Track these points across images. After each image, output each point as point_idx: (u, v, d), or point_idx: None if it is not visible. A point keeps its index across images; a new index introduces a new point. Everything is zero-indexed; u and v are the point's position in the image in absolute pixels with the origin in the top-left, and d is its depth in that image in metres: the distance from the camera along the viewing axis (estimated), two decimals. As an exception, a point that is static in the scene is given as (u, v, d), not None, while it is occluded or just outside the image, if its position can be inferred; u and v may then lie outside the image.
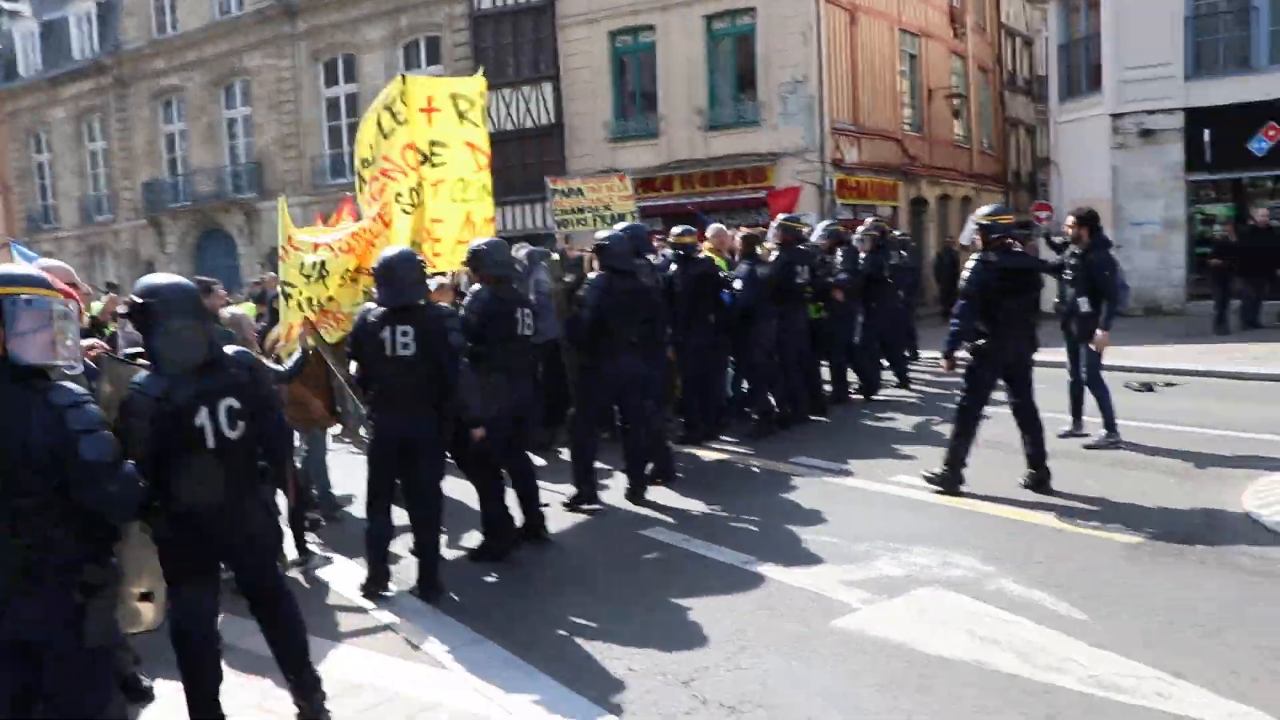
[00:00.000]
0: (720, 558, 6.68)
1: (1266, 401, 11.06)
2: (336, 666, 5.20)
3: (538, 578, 6.63)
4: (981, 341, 7.62)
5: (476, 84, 8.56)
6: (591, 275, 8.25)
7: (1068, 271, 9.13)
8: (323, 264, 7.59)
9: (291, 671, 4.56)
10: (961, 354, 7.83)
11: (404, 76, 8.39)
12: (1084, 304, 8.85)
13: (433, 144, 8.06)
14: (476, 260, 7.10)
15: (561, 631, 5.62)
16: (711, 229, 11.47)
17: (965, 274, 7.67)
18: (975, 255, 7.72)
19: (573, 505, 7.98)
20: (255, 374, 4.40)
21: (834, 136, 22.55)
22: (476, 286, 7.18)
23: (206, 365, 4.19)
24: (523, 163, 25.69)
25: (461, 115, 8.22)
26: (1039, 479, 7.73)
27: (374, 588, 6.32)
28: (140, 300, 4.19)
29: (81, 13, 36.61)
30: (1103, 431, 9.11)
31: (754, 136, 22.71)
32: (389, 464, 6.27)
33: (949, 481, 7.75)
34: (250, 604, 4.55)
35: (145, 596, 4.30)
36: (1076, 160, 21.92)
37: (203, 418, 4.10)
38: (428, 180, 8.01)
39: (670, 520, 7.68)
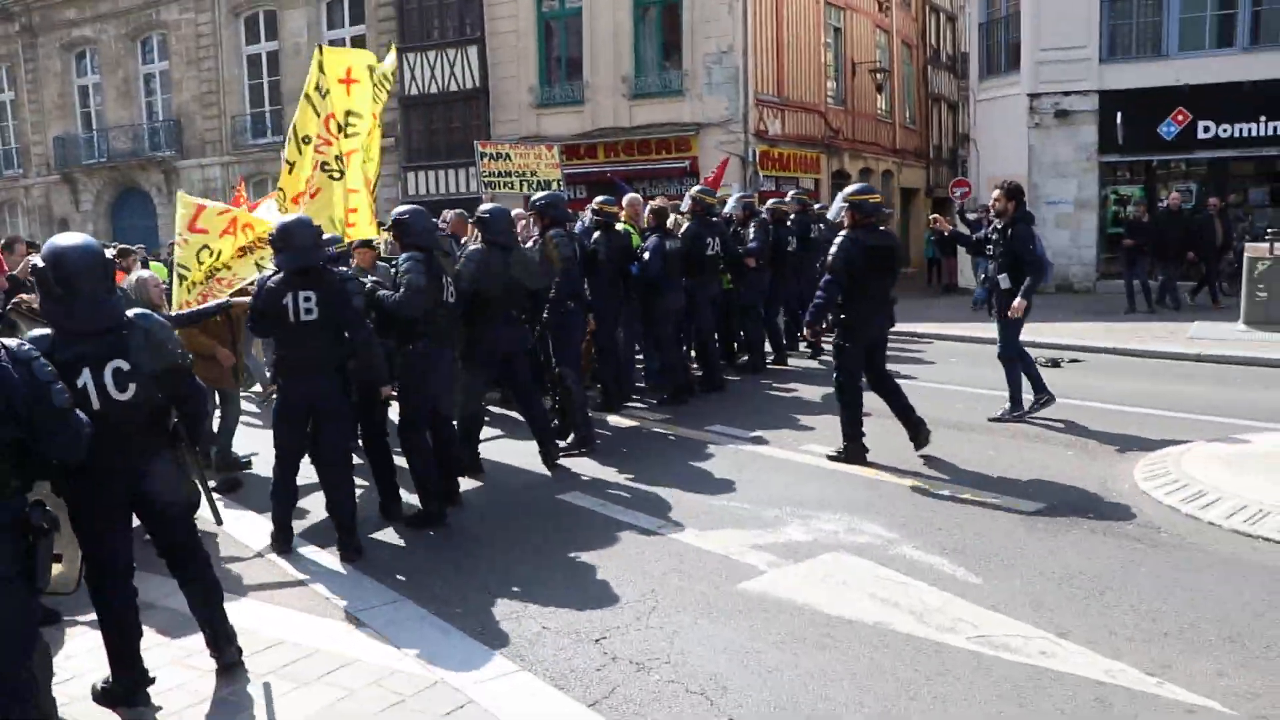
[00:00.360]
0: (635, 522, 6.84)
1: (1165, 378, 11.52)
2: (257, 623, 5.26)
3: (453, 539, 6.74)
4: (844, 317, 7.90)
5: (390, 64, 8.64)
6: (471, 248, 8.27)
7: (989, 247, 9.17)
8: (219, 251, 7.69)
9: (207, 627, 4.66)
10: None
11: (320, 48, 8.37)
12: (1004, 280, 8.86)
13: (348, 114, 8.13)
14: (400, 229, 7.12)
15: (476, 592, 5.73)
16: (626, 199, 11.60)
17: (832, 250, 7.87)
18: (843, 232, 7.93)
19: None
20: (153, 336, 4.38)
21: (758, 108, 22.73)
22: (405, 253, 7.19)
23: (105, 328, 4.21)
24: (448, 126, 25.65)
25: (375, 88, 8.25)
26: (919, 439, 8.07)
27: (279, 546, 6.42)
28: (41, 264, 4.20)
29: (-12, -43, 35.43)
30: (1006, 405, 9.29)
31: (678, 106, 22.83)
32: (297, 428, 6.35)
33: (853, 454, 7.99)
34: (167, 562, 4.62)
35: (56, 558, 4.34)
36: (995, 138, 22.39)
37: (85, 378, 4.12)
38: (344, 150, 8.03)
39: (586, 485, 7.83)
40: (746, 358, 12.56)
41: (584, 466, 8.36)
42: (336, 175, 7.97)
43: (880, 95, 29.38)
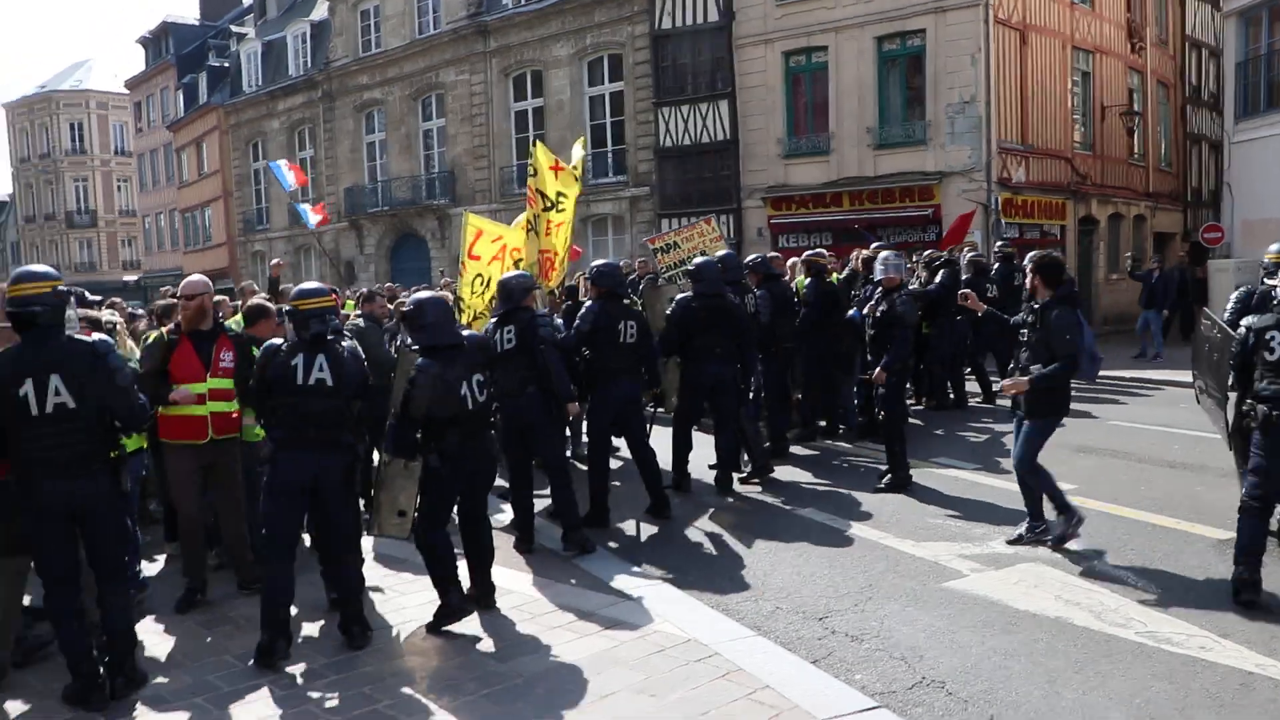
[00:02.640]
0: (858, 532, 7.91)
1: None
2: (543, 591, 6.65)
3: (697, 538, 7.98)
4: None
5: (579, 155, 10.66)
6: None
7: (1023, 331, 7.40)
8: (488, 280, 9.42)
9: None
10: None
11: (537, 143, 10.51)
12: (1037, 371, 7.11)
13: (559, 194, 9.89)
14: (598, 278, 8.55)
15: (720, 579, 6.94)
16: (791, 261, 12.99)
17: (901, 308, 9.33)
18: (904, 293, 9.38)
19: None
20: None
21: (1001, 156, 23.16)
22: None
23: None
24: (699, 176, 27.17)
25: (575, 177, 10.16)
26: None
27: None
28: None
29: (298, 33, 39.90)
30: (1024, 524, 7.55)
31: (921, 155, 23.52)
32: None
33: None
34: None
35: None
36: (1253, 181, 21.95)
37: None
38: (553, 222, 9.86)
39: (815, 500, 8.94)
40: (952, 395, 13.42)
41: (821, 485, 9.47)
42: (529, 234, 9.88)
43: (1131, 138, 29.01)
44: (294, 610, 6.01)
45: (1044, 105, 24.93)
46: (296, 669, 5.60)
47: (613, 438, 8.97)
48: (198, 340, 6.80)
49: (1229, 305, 8.48)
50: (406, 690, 5.27)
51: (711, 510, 8.87)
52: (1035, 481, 7.31)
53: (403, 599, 6.76)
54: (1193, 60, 34.17)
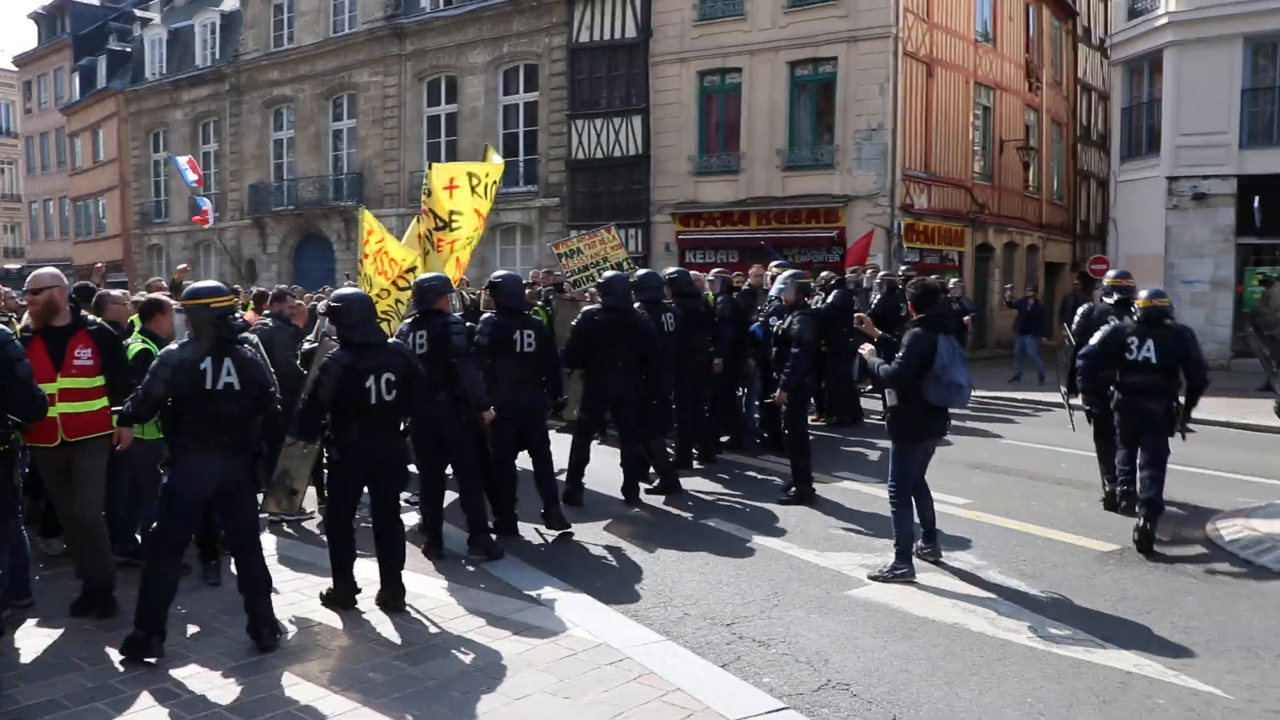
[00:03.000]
0: (763, 542, 8.14)
1: (1261, 450, 12.27)
2: (453, 598, 6.74)
3: (609, 548, 8.14)
4: None
5: (495, 168, 10.33)
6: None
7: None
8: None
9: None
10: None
11: (431, 165, 10.49)
12: (891, 395, 7.25)
13: (451, 213, 9.90)
14: (495, 290, 8.66)
15: (629, 587, 7.11)
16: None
17: (798, 326, 9.57)
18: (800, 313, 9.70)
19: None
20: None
21: (905, 182, 23.86)
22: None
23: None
24: (610, 189, 27.44)
25: (473, 189, 9.98)
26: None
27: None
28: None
29: (206, 22, 39.20)
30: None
31: (828, 179, 24.11)
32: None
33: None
34: None
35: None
36: (1134, 218, 23.06)
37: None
38: (445, 240, 9.88)
39: (722, 512, 9.17)
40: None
41: (727, 497, 9.71)
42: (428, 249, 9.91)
43: (1027, 171, 30.10)
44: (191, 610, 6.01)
45: (947, 136, 25.78)
46: (206, 672, 5.59)
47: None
48: (50, 338, 6.31)
49: (1075, 320, 9.76)
50: (320, 692, 5.30)
51: (619, 520, 9.02)
52: (898, 510, 7.21)
53: (311, 602, 6.76)
54: (1084, 102, 35.64)
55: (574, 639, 5.99)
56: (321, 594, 6.77)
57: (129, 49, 44.02)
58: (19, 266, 55.38)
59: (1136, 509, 7.93)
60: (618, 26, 27.11)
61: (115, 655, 5.65)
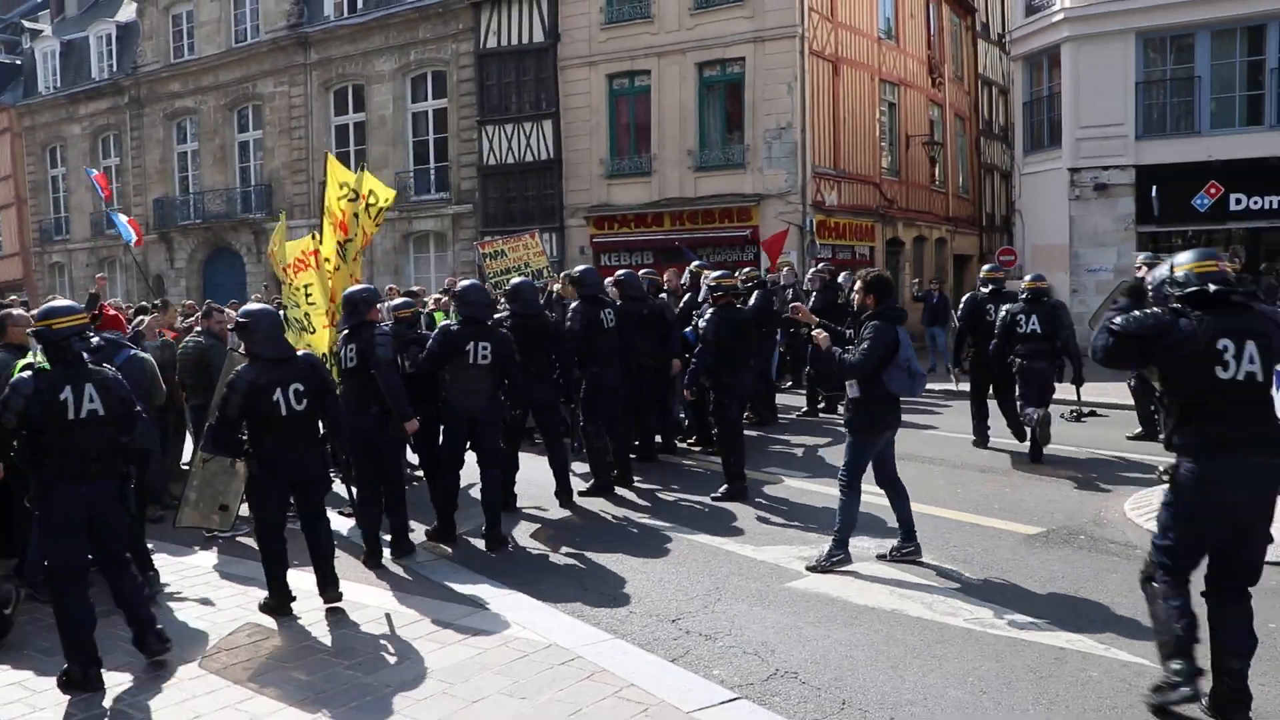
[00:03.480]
0: (701, 539, 8.25)
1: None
2: (400, 605, 6.74)
3: (551, 549, 8.20)
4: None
5: (390, 195, 10.02)
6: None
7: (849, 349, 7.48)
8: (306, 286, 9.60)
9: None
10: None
11: (328, 156, 10.44)
12: (852, 387, 7.26)
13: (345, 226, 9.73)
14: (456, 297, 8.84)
15: (573, 587, 7.18)
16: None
17: (703, 325, 9.86)
18: (710, 309, 9.91)
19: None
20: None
21: (815, 180, 24.24)
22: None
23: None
24: (523, 194, 27.45)
25: (367, 207, 9.69)
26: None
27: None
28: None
29: (101, 34, 38.28)
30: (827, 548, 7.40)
31: (740, 178, 24.41)
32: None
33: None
34: None
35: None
36: (1038, 209, 23.68)
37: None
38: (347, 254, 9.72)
39: (660, 512, 9.28)
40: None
41: (662, 495, 9.81)
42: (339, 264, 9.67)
43: (933, 166, 30.75)
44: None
45: (854, 133, 26.25)
46: (144, 690, 5.55)
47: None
48: None
49: (961, 306, 12.42)
50: (275, 705, 5.29)
51: (553, 524, 9.10)
52: (847, 498, 7.29)
53: (255, 615, 6.73)
54: (985, 96, 36.51)
55: (524, 641, 6.05)
56: (260, 604, 6.83)
57: (19, 61, 42.75)
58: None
59: (1035, 427, 10.33)
60: (525, 31, 27.12)
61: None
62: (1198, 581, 4.81)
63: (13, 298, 15.96)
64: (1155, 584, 4.85)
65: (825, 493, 9.67)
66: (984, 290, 11.81)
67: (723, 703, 5.11)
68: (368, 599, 7.01)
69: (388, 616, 6.64)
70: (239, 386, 6.55)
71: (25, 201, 41.98)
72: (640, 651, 5.88)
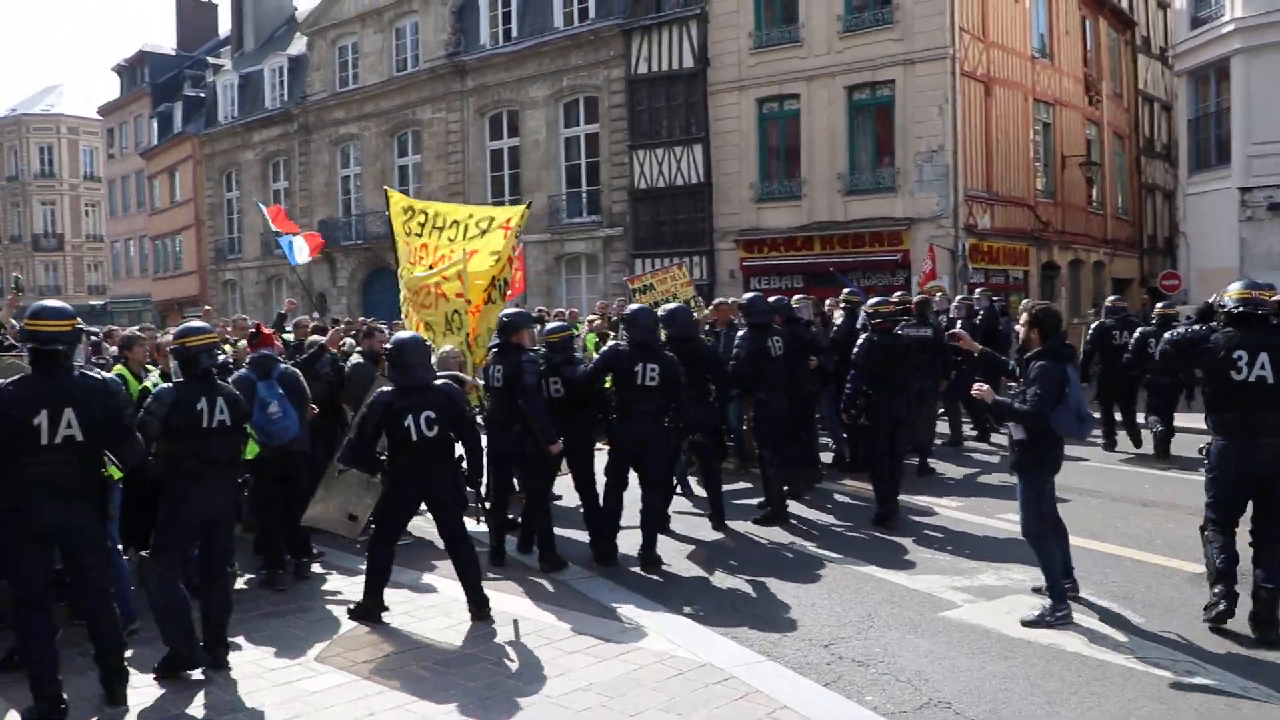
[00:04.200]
0: (854, 565, 8.30)
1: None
2: (561, 619, 6.99)
3: (707, 573, 8.35)
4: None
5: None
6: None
7: (1012, 384, 7.64)
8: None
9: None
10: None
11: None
12: (1016, 429, 6.94)
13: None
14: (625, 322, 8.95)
15: (728, 610, 7.31)
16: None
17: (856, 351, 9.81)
18: (864, 335, 9.94)
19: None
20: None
21: (967, 203, 23.86)
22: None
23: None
24: (673, 218, 27.73)
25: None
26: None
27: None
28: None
29: (275, 66, 40.23)
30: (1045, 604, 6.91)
31: (890, 201, 24.20)
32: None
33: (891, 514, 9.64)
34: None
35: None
36: (1205, 231, 22.87)
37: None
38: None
39: (810, 535, 9.34)
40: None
41: (814, 519, 9.88)
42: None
43: (1090, 187, 29.90)
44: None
45: (1008, 154, 25.73)
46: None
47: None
48: None
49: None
50: (444, 708, 5.57)
51: (708, 545, 9.25)
52: (1041, 546, 6.88)
53: (423, 624, 7.06)
54: (1146, 114, 35.34)
55: (678, 659, 6.21)
56: (349, 609, 7.29)
57: (203, 94, 45.33)
58: (103, 303, 57.16)
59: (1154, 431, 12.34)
60: (675, 57, 27.44)
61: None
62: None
63: (193, 311, 17.02)
64: (1206, 532, 6.66)
65: (979, 522, 9.64)
66: (1110, 320, 13.59)
67: (875, 731, 5.18)
68: (521, 610, 7.29)
69: (545, 629, 6.87)
70: (376, 407, 7.07)
71: (203, 223, 44.41)
72: (794, 675, 5.97)
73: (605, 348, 9.08)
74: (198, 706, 5.73)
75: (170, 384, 6.41)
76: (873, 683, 5.85)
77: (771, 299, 10.74)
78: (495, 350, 8.55)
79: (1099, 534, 9.04)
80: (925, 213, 23.68)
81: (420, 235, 10.98)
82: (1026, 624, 6.66)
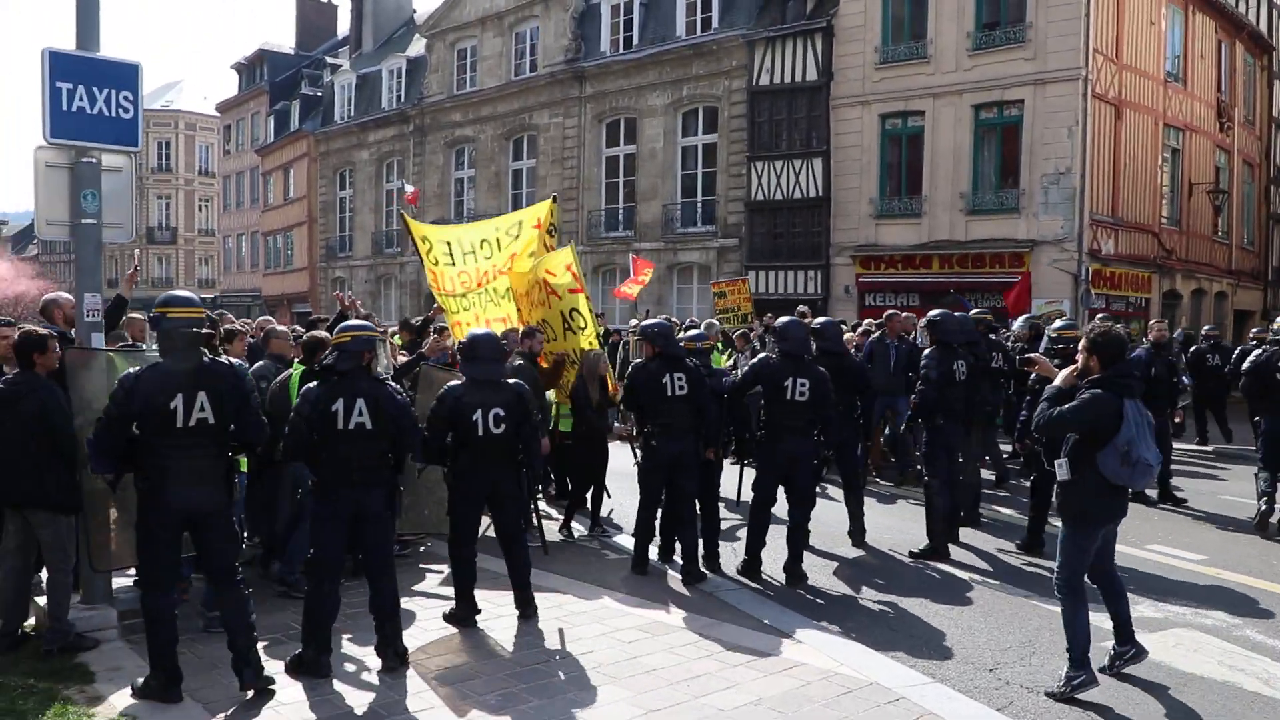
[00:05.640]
0: (1007, 591, 8.24)
1: None
2: (725, 635, 7.06)
3: (859, 591, 8.36)
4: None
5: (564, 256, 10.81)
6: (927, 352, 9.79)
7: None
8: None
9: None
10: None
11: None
12: (1062, 469, 6.10)
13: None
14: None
15: (883, 629, 7.32)
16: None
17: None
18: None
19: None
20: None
21: (1092, 227, 23.45)
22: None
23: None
24: (789, 231, 27.69)
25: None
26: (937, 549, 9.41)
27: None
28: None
29: (393, 67, 41.08)
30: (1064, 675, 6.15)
31: (1013, 223, 23.86)
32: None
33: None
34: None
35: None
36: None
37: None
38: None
39: (956, 560, 9.28)
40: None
41: (969, 542, 9.82)
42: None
43: (1217, 215, 29.19)
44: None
45: (1135, 180, 25.25)
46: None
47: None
48: None
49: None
50: (620, 711, 5.67)
51: (851, 562, 9.27)
52: (1070, 607, 6.13)
53: (566, 630, 7.17)
54: (1278, 141, 34.34)
55: (844, 677, 6.23)
56: (444, 614, 7.32)
57: (320, 94, 46.46)
58: (213, 296, 58.89)
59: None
60: (799, 69, 27.41)
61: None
62: None
63: (301, 307, 17.34)
64: None
65: (1128, 553, 9.46)
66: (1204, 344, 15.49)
67: (1062, 757, 5.15)
68: (676, 621, 7.35)
69: (700, 641, 6.90)
70: (446, 400, 7.05)
71: (315, 220, 45.47)
72: (964, 698, 5.96)
73: (756, 359, 9.10)
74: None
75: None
76: (1046, 710, 5.82)
77: (950, 314, 10.06)
78: (668, 358, 8.51)
79: (1254, 570, 8.84)
80: (1049, 235, 23.33)
81: (453, 264, 11.09)
82: (1050, 694, 5.99)
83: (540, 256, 10.74)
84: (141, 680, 5.73)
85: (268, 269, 51.57)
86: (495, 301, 11.10)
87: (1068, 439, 6.02)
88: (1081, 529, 6.13)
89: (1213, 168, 29.25)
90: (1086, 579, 6.27)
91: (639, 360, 8.83)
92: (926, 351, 9.81)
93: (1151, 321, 12.04)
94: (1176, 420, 12.71)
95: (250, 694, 5.76)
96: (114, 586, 7.24)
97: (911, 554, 9.43)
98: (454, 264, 11.06)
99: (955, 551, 9.53)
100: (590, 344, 10.45)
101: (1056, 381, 6.27)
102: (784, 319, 9.07)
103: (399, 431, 6.25)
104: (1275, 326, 11.34)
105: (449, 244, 11.15)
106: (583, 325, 10.55)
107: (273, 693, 5.80)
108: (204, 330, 6.08)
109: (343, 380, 6.16)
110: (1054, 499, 6.35)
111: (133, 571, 7.26)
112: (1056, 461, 6.11)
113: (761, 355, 9.26)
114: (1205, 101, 28.61)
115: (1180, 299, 27.46)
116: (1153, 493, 11.69)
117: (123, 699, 5.70)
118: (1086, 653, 6.00)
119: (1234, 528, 10.60)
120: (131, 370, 5.72)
